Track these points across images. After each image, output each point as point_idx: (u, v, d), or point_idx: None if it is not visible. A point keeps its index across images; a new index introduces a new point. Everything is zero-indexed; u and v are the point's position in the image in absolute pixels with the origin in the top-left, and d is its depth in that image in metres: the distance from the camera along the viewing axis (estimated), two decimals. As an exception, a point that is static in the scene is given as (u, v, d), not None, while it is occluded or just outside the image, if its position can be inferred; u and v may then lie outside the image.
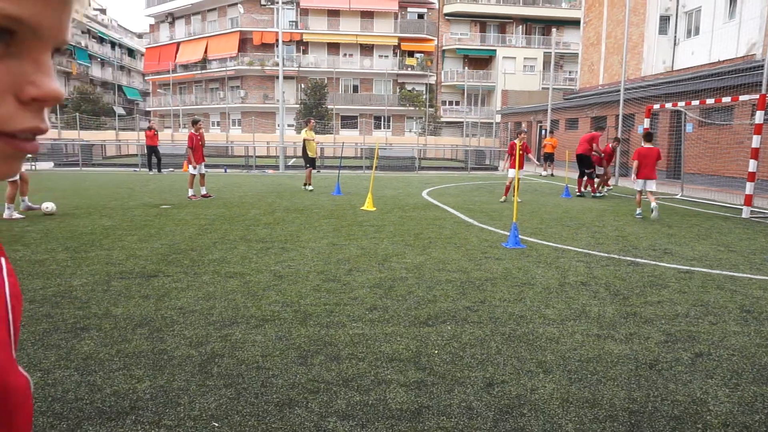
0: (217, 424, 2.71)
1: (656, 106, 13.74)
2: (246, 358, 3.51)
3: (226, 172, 22.51)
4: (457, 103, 49.82)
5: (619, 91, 21.88)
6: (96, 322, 4.13)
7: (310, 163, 14.38)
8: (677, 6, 29.25)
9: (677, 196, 14.10)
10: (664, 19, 29.70)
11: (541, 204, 12.24)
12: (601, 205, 12.15)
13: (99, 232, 7.79)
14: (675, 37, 29.50)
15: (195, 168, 12.14)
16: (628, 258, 6.63)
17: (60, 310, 4.37)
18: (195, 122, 12.45)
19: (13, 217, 8.79)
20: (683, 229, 8.91)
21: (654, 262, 6.41)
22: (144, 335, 3.88)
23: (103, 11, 70.93)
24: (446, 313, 4.46)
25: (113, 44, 67.47)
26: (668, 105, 13.22)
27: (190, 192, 12.16)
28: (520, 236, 7.46)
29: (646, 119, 13.66)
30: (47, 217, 9.07)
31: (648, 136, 10.54)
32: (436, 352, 3.66)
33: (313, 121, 14.63)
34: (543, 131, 28.15)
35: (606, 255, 6.79)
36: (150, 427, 2.68)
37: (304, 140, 14.10)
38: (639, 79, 27.21)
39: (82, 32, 59.66)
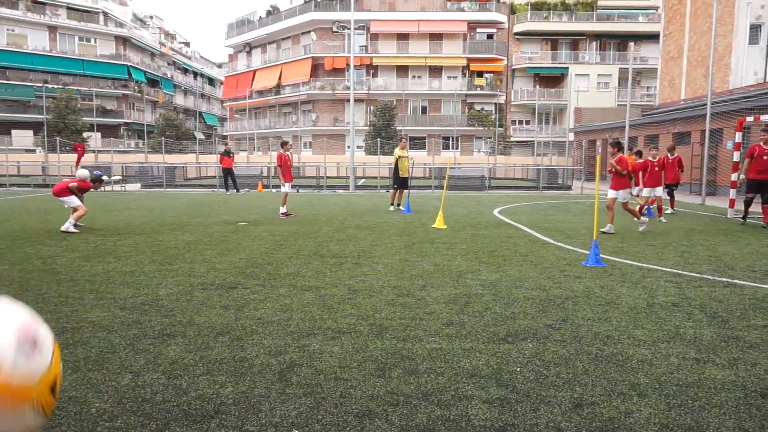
0: (297, 431, 2.70)
1: (749, 119, 12.83)
2: (324, 368, 3.51)
3: (298, 192, 23.15)
4: (528, 122, 48.94)
5: (704, 105, 20.69)
6: (181, 329, 4.28)
7: (400, 183, 14.21)
8: (768, 14, 27.45)
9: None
10: (755, 28, 27.91)
11: (622, 223, 11.66)
12: (689, 224, 11.41)
13: (182, 247, 8.16)
14: None
15: (285, 186, 12.67)
16: (724, 279, 6.14)
17: (148, 318, 4.57)
18: (284, 143, 13.00)
19: (69, 230, 9.55)
20: (785, 250, 8.17)
21: (755, 284, 5.90)
22: (225, 343, 3.97)
23: (187, 44, 75.93)
24: (526, 330, 4.27)
25: (195, 74, 71.90)
26: (764, 117, 12.30)
27: (282, 210, 12.55)
28: (600, 255, 7.11)
29: (737, 133, 12.79)
30: (137, 233, 9.63)
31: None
32: (518, 369, 3.49)
33: (405, 139, 14.60)
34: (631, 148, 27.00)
35: (698, 275, 6.32)
36: (233, 431, 2.70)
37: (397, 159, 14.03)
38: (727, 92, 25.63)
39: (168, 64, 64.03)
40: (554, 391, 3.16)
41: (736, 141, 12.77)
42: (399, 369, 3.49)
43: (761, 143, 10.70)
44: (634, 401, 3.04)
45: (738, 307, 4.99)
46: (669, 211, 13.52)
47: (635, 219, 10.25)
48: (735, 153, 12.78)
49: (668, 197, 13.79)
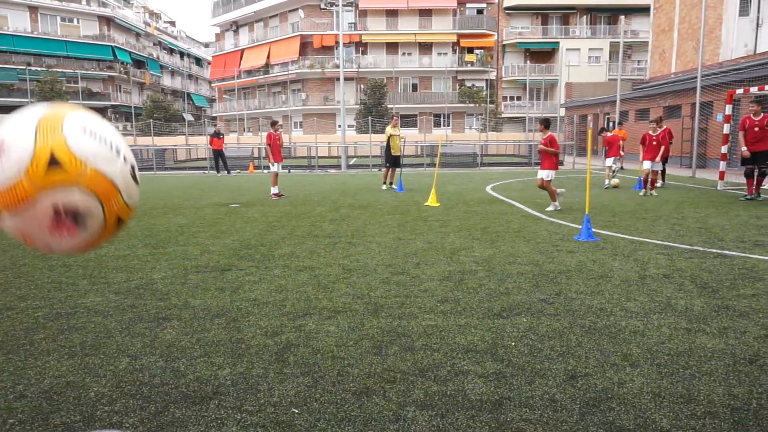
0: (296, 411, 2.73)
1: (739, 91, 12.85)
2: (321, 347, 3.53)
3: (289, 172, 23.04)
4: (519, 98, 48.75)
5: (694, 78, 20.67)
6: (176, 312, 4.28)
7: (392, 161, 14.18)
8: (759, -16, 27.27)
9: (766, 187, 13.13)
10: (745, 0, 27.78)
11: (613, 196, 11.74)
12: (680, 197, 11.50)
13: (174, 230, 8.13)
14: (758, 17, 27.49)
15: (274, 165, 12.54)
16: (714, 250, 6.21)
17: (143, 301, 4.57)
18: (274, 123, 12.90)
19: None
20: (774, 221, 8.26)
21: (744, 254, 5.97)
22: (221, 325, 3.98)
23: (172, 23, 74.52)
24: (520, 305, 4.32)
25: (182, 54, 70.76)
26: (753, 89, 12.32)
27: (274, 190, 12.48)
28: (592, 229, 7.15)
29: (727, 105, 12.81)
30: (128, 217, 9.55)
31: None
32: (512, 344, 3.54)
33: (396, 117, 14.45)
34: (611, 123, 27.02)
35: (689, 247, 6.39)
36: (232, 412, 2.73)
37: (389, 137, 13.95)
38: (717, 65, 25.59)
39: (154, 44, 62.92)
40: (548, 364, 3.21)
41: (726, 113, 12.79)
42: (395, 346, 3.53)
43: (750, 115, 10.71)
44: (626, 371, 3.09)
45: (728, 277, 5.06)
46: (659, 184, 13.59)
47: (552, 200, 9.67)
48: (725, 125, 12.81)
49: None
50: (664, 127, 13.18)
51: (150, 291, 4.88)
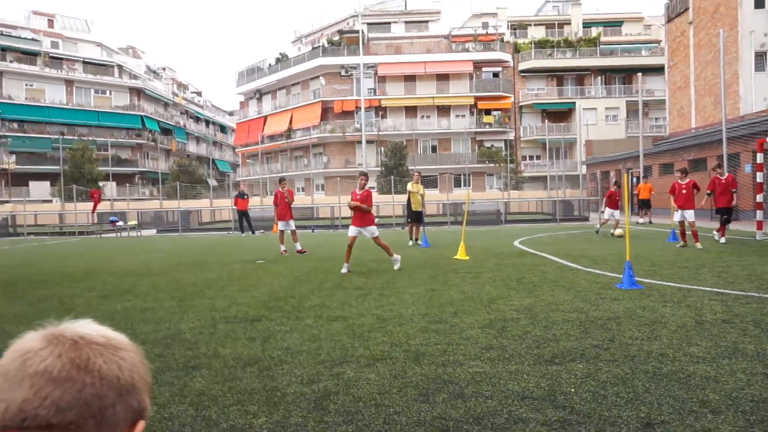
0: (342, 461, 2.45)
1: (769, 139, 12.61)
2: (362, 395, 3.26)
3: (313, 232, 23.05)
4: (538, 158, 48.99)
5: (717, 131, 20.54)
6: (206, 361, 4.06)
7: (413, 217, 14.08)
8: (773, 41, 27.60)
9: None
10: (760, 56, 28.06)
11: (649, 248, 11.35)
12: (719, 248, 11.06)
13: (202, 284, 7.99)
14: (775, 72, 27.66)
15: (279, 224, 12.63)
16: (771, 296, 5.82)
17: (171, 351, 4.36)
18: (281, 180, 12.99)
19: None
20: (827, 267, 7.82)
21: (805, 300, 5.58)
22: (254, 373, 3.74)
23: (199, 93, 77.90)
24: (573, 351, 4.00)
25: (207, 122, 73.44)
26: (784, 137, 12.08)
27: (282, 248, 12.52)
28: (635, 277, 6.81)
29: (758, 154, 12.55)
30: (154, 274, 9.49)
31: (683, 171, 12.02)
32: (572, 390, 3.22)
33: (418, 174, 14.47)
34: (635, 179, 26.80)
35: (742, 293, 6.01)
36: (271, 463, 2.46)
37: (409, 193, 13.97)
38: (738, 118, 25.52)
39: (181, 113, 65.55)
40: (617, 411, 2.89)
41: (758, 162, 12.52)
42: (443, 393, 3.24)
43: None
44: (709, 419, 2.76)
45: (794, 322, 4.68)
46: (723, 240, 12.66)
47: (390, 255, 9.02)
48: (758, 174, 12.51)
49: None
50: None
51: (178, 341, 4.68)
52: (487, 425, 2.77)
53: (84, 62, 53.20)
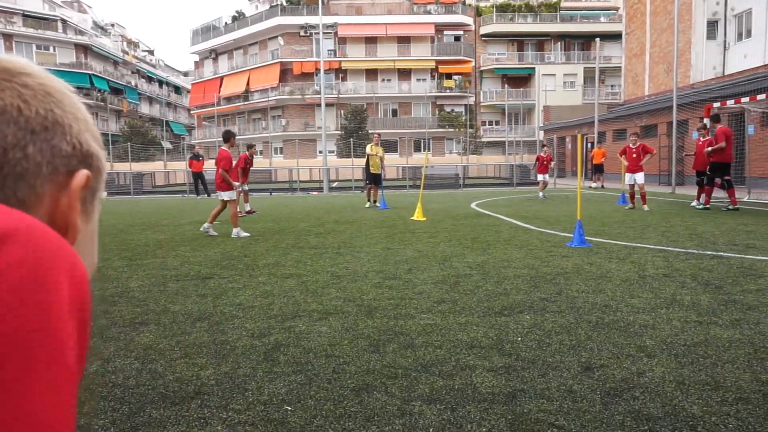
0: (290, 408, 2.45)
1: (716, 105, 13.05)
2: (313, 347, 3.26)
3: (271, 194, 22.74)
4: (498, 123, 49.39)
5: (668, 99, 21.10)
6: (154, 317, 3.98)
7: (372, 179, 13.98)
8: (725, 10, 28.27)
9: (745, 199, 13.26)
10: (712, 24, 28.74)
11: (599, 210, 11.70)
12: (664, 210, 11.50)
13: (153, 244, 7.78)
14: (725, 41, 28.45)
15: (239, 187, 12.41)
16: (709, 252, 6.10)
17: (118, 308, 4.25)
18: (250, 146, 12.67)
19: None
20: (762, 227, 8.24)
21: (740, 255, 5.87)
22: (204, 328, 3.69)
23: (151, 52, 74.49)
24: (521, 304, 4.10)
25: (161, 82, 70.54)
26: (730, 102, 12.52)
27: (247, 206, 12.37)
28: (584, 236, 7.01)
29: (705, 119, 12.98)
30: (103, 234, 9.18)
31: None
32: (519, 339, 3.31)
33: (378, 136, 14.25)
34: (589, 144, 27.40)
35: (683, 250, 6.28)
36: (217, 411, 2.44)
37: (368, 155, 13.79)
38: (688, 86, 26.25)
39: (132, 72, 62.66)
40: (560, 357, 2.99)
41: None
42: (393, 344, 3.27)
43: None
44: (644, 362, 2.88)
45: (728, 274, 4.92)
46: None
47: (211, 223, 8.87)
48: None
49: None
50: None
51: (126, 298, 4.56)
52: (434, 372, 2.82)
53: (24, 15, 49.87)
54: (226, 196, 8.68)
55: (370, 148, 13.86)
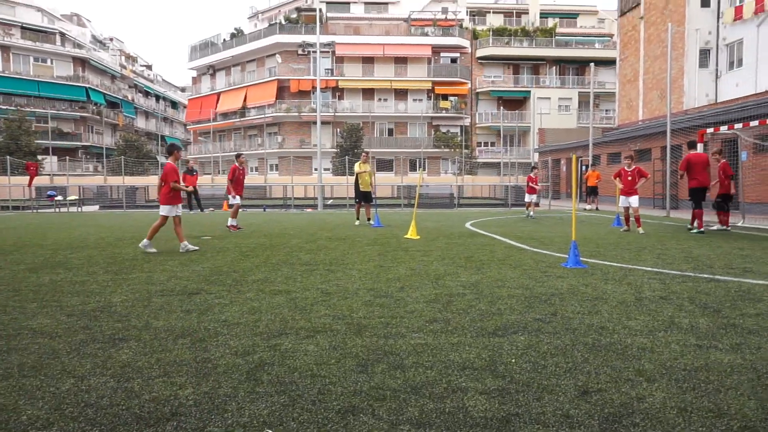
0: (270, 430, 2.31)
1: (710, 130, 13.11)
2: (298, 366, 3.12)
3: (265, 210, 22.60)
4: (493, 144, 49.66)
5: (661, 124, 21.25)
6: (135, 333, 3.83)
7: (361, 197, 13.76)
8: (717, 39, 28.72)
9: (739, 224, 13.25)
10: (704, 53, 29.15)
11: (594, 232, 11.63)
12: (659, 233, 11.45)
13: (140, 258, 7.63)
14: (717, 70, 28.84)
15: (234, 198, 12.46)
16: (706, 275, 6.01)
17: (98, 323, 4.10)
18: (238, 155, 12.76)
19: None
20: (758, 251, 8.18)
21: (737, 279, 5.78)
22: (186, 345, 3.54)
23: (149, 67, 74.79)
24: (515, 324, 3.98)
25: (158, 97, 70.71)
26: (723, 128, 12.58)
27: (232, 222, 12.24)
28: (579, 257, 6.92)
29: (699, 144, 13.01)
30: (91, 247, 9.02)
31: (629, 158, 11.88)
32: (513, 360, 3.19)
33: (366, 154, 14.12)
34: (584, 166, 27.50)
35: (680, 273, 6.19)
36: (194, 434, 2.30)
37: (357, 174, 13.67)
38: (681, 112, 26.51)
39: (129, 86, 62.80)
40: (556, 380, 2.87)
41: (699, 152, 12.98)
42: (382, 364, 3.14)
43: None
44: (644, 386, 2.76)
45: (726, 298, 4.83)
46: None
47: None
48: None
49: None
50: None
51: (107, 313, 4.41)
52: (425, 394, 2.69)
53: (22, 27, 50.05)
54: (164, 211, 8.51)
55: (358, 166, 13.76)
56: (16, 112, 42.35)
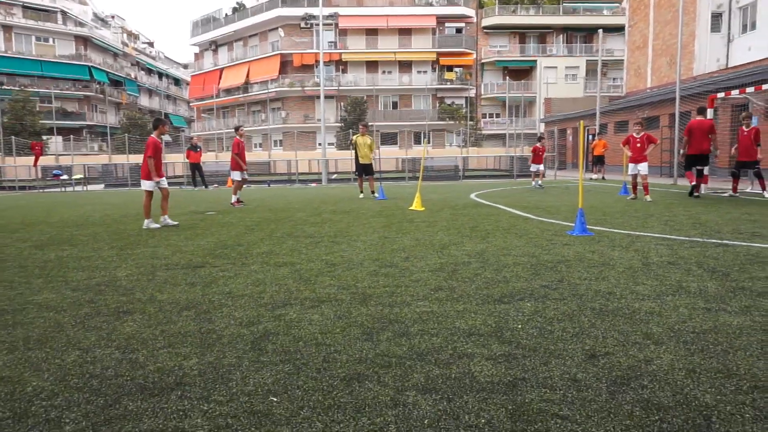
0: (275, 399, 2.30)
1: (720, 95, 12.84)
2: (303, 335, 3.11)
3: (269, 186, 22.57)
4: (498, 115, 49.11)
5: (671, 91, 20.86)
6: (140, 306, 3.83)
7: (361, 170, 13.64)
8: (730, 2, 27.95)
9: (747, 190, 13.09)
10: (716, 16, 28.42)
11: (600, 200, 11.53)
12: (667, 200, 11.33)
13: (145, 234, 7.63)
14: (729, 33, 28.15)
15: (238, 174, 12.38)
16: (714, 240, 5.94)
17: (103, 297, 4.10)
18: (237, 128, 12.59)
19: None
20: (766, 216, 8.07)
21: (745, 243, 5.71)
22: (190, 317, 3.54)
23: (151, 44, 74.10)
24: (522, 291, 3.95)
25: (160, 75, 70.22)
26: (734, 93, 12.32)
27: (234, 198, 12.21)
28: (586, 225, 6.85)
29: (709, 110, 12.78)
30: (97, 224, 9.04)
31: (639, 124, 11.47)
32: (519, 326, 3.16)
33: (363, 125, 13.94)
34: (591, 136, 27.18)
35: (687, 238, 6.12)
36: (198, 403, 2.29)
37: (356, 146, 13.48)
38: (691, 78, 26.00)
39: (132, 64, 62.34)
40: (563, 345, 2.84)
41: (709, 118, 12.75)
42: (388, 332, 3.12)
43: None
44: (651, 349, 2.73)
45: (735, 262, 4.76)
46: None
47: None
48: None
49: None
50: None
51: (112, 287, 4.41)
52: (430, 361, 2.67)
53: (24, 6, 49.54)
54: (146, 186, 8.45)
55: (356, 137, 13.59)
56: (20, 92, 42.22)
